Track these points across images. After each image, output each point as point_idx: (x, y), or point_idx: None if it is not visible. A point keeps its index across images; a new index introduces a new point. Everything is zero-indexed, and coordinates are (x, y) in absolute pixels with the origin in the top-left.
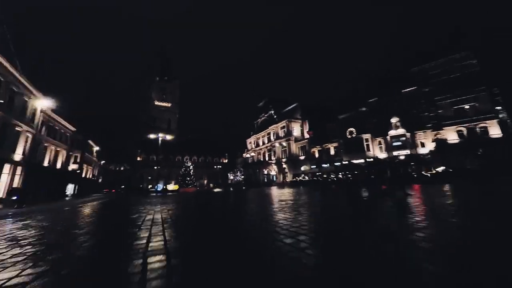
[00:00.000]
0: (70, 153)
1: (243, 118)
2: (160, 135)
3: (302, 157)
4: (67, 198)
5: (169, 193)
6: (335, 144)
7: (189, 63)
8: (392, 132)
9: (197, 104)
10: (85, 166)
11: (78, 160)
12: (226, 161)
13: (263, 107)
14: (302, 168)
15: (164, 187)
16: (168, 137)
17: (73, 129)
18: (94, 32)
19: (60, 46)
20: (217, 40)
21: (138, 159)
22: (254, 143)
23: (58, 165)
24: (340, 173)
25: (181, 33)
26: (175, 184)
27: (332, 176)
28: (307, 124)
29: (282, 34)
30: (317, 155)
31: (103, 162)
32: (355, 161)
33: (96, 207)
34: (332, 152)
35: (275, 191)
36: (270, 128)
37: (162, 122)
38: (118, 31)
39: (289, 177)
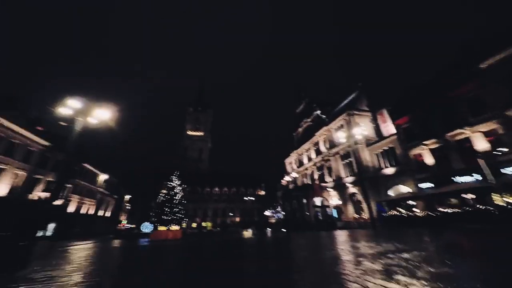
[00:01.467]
0: (37, 176)
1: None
2: (71, 102)
3: (389, 170)
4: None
5: (146, 241)
6: (487, 126)
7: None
8: None
9: (230, 128)
10: (76, 198)
11: (52, 188)
12: (263, 193)
13: (304, 110)
14: (392, 192)
15: (152, 228)
16: (103, 116)
17: (43, 142)
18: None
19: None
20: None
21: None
22: (295, 162)
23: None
24: None
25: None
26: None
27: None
28: (385, 115)
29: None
30: (429, 161)
31: (128, 197)
32: None
33: None
34: (481, 145)
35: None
36: (318, 133)
37: (194, 151)
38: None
39: (373, 210)
